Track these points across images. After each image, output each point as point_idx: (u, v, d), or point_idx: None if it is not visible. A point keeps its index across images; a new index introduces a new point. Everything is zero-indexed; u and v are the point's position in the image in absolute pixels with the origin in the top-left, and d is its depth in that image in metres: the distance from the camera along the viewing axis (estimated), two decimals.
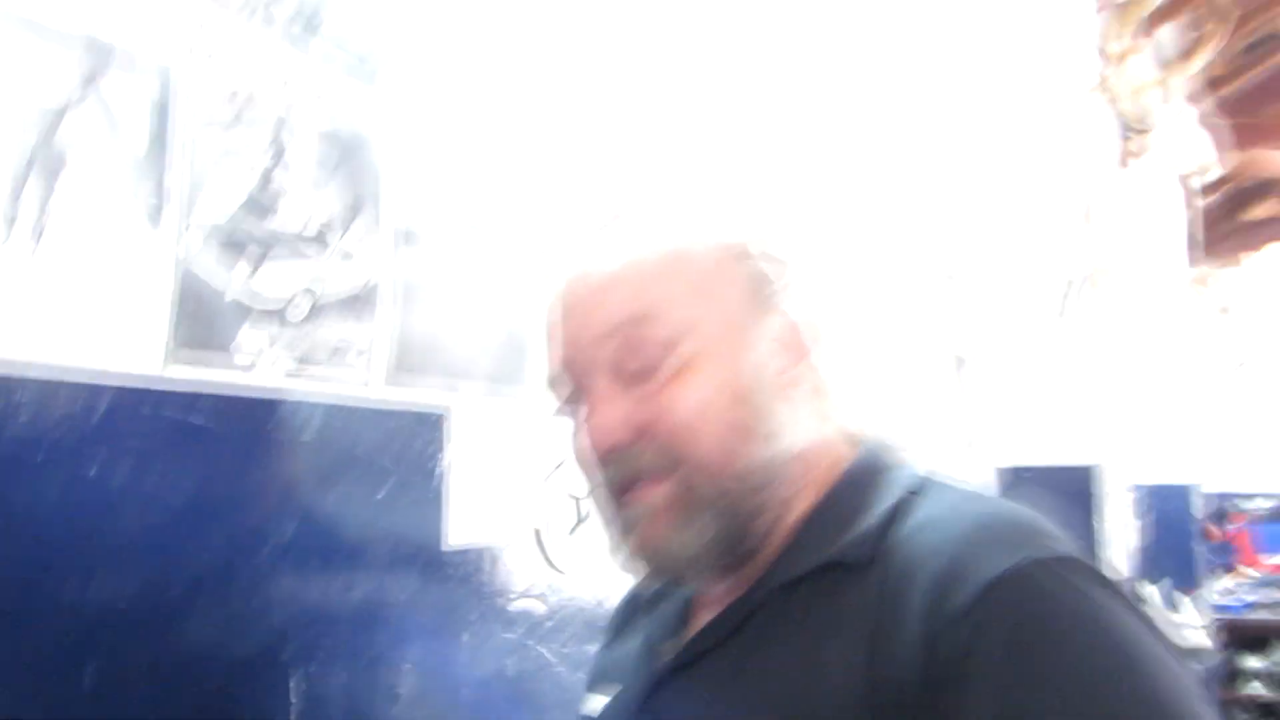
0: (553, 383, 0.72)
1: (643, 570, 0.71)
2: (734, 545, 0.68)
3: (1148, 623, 0.58)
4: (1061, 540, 0.61)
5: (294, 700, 0.98)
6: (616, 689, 0.77)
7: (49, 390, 0.82)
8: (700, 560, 0.67)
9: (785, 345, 0.70)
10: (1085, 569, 0.59)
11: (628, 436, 0.66)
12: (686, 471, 0.66)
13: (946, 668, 0.54)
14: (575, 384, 0.70)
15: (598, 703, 0.78)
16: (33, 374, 0.81)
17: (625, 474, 0.67)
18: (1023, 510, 0.65)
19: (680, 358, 0.66)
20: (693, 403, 0.66)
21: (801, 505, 0.70)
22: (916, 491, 0.68)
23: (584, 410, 0.69)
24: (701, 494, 0.66)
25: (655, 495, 0.66)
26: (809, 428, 0.71)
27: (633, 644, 0.79)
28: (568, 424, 0.73)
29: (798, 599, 0.65)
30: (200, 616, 0.92)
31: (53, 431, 0.82)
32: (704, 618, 0.72)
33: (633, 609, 0.87)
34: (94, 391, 0.85)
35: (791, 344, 0.71)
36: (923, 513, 0.65)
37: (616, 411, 0.66)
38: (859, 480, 0.71)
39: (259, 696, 0.96)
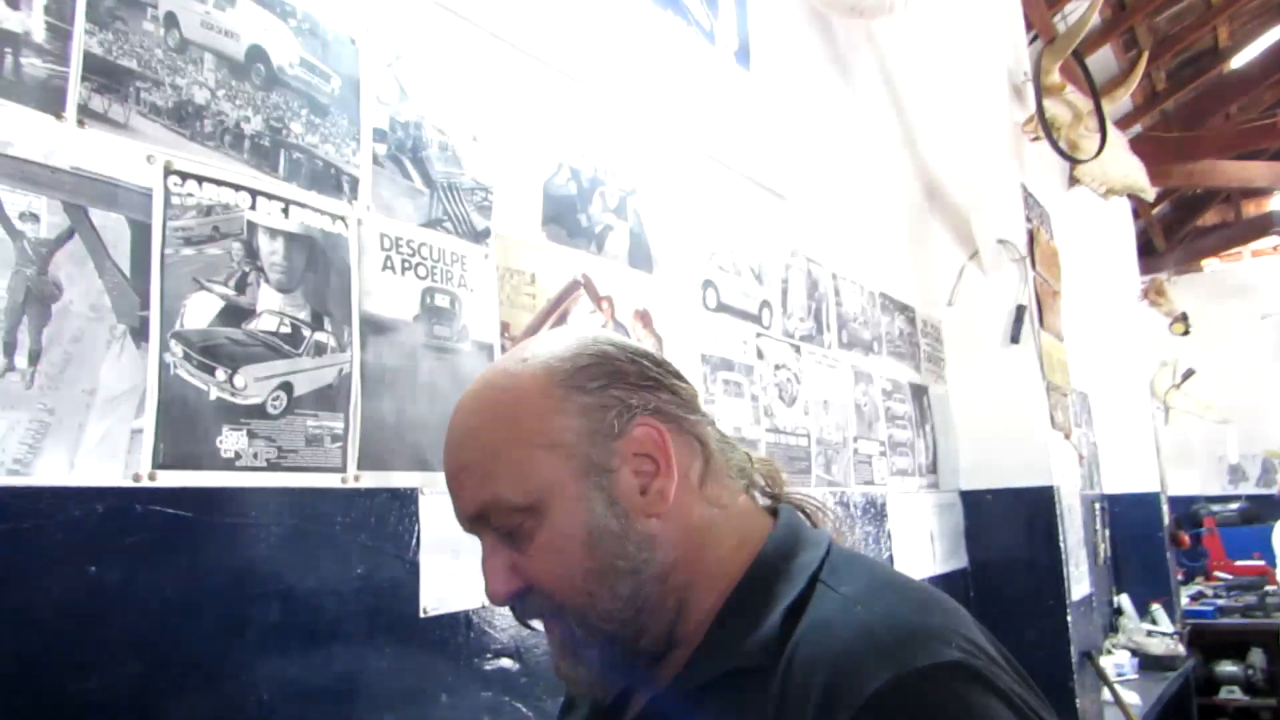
0: (462, 529, 0.78)
1: (566, 687, 0.82)
2: (629, 665, 0.74)
3: None
4: (949, 637, 0.62)
5: None
6: None
7: (50, 500, 0.91)
8: (602, 683, 0.75)
9: (644, 457, 0.73)
10: (959, 674, 0.60)
11: (513, 592, 0.74)
12: (565, 617, 0.73)
13: None
14: (473, 534, 0.77)
15: None
16: (32, 486, 0.90)
17: (527, 615, 0.76)
18: (914, 605, 0.68)
19: (537, 520, 0.72)
20: (553, 560, 0.72)
21: (709, 598, 0.74)
22: (818, 578, 0.71)
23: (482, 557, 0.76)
24: (582, 634, 0.73)
25: (552, 635, 0.76)
26: (690, 526, 0.74)
27: (581, 715, 0.86)
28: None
29: (705, 705, 0.70)
30: (195, 695, 1.00)
31: (54, 537, 0.91)
32: (637, 705, 0.78)
33: None
34: (89, 497, 0.94)
35: (652, 453, 0.73)
36: (820, 611, 0.68)
37: (501, 569, 0.74)
38: (764, 572, 0.74)
39: None
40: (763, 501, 0.82)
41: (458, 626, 1.30)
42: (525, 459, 0.72)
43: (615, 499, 0.72)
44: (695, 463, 0.76)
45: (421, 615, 1.26)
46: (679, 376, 0.80)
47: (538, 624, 0.78)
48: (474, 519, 0.75)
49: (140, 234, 1.03)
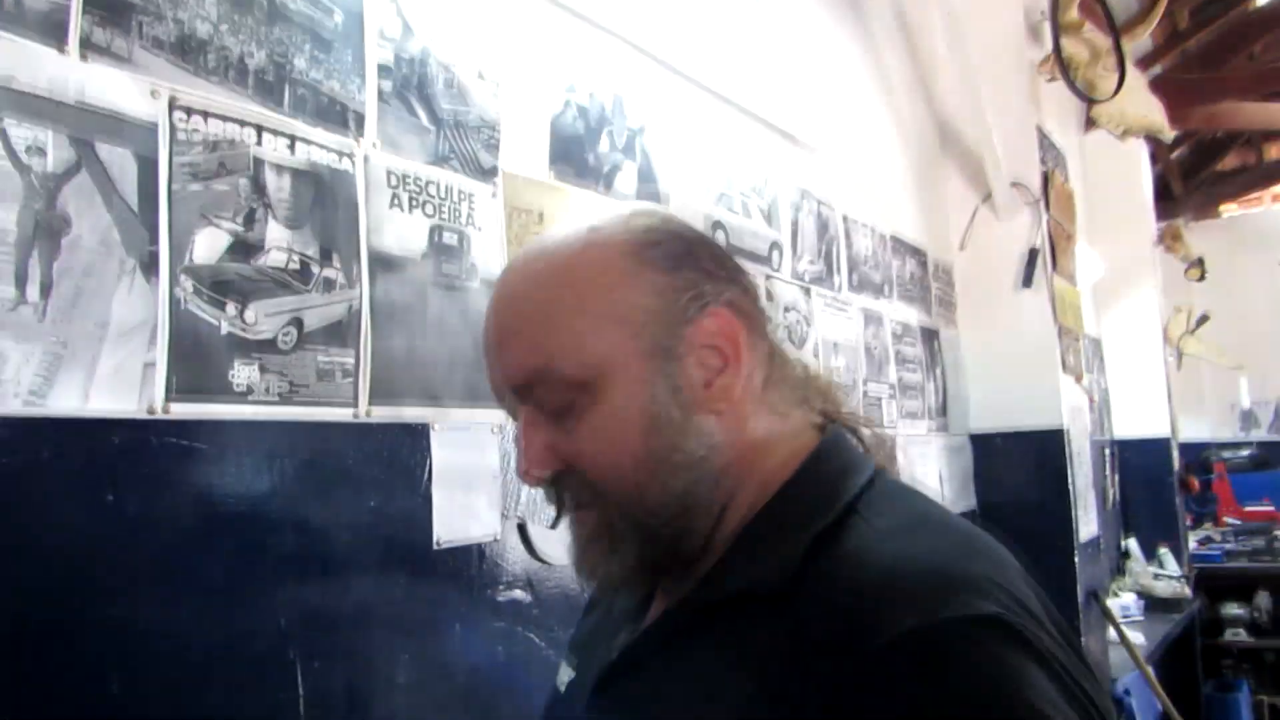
0: (496, 400, 0.73)
1: (587, 583, 0.74)
2: (662, 566, 0.69)
3: (1051, 690, 0.54)
4: (986, 587, 0.57)
5: (302, 691, 1.08)
6: (576, 670, 0.81)
7: (65, 430, 0.92)
8: (630, 581, 0.70)
9: (713, 350, 0.68)
10: (990, 630, 0.54)
11: (551, 468, 0.68)
12: (606, 505, 0.67)
13: None
14: (508, 409, 0.72)
15: (566, 675, 0.83)
16: (48, 417, 0.91)
17: (559, 498, 0.70)
18: (954, 548, 0.62)
19: (590, 397, 0.66)
20: (603, 443, 0.66)
21: (745, 508, 0.69)
22: (855, 508, 0.65)
23: (517, 431, 0.70)
24: (622, 526, 0.67)
25: (585, 523, 0.69)
26: (746, 431, 0.69)
27: (600, 616, 0.83)
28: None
29: (717, 625, 0.65)
30: (210, 624, 1.02)
31: (70, 466, 0.92)
32: (657, 610, 0.73)
33: None
34: (103, 428, 0.95)
35: (722, 345, 0.68)
36: (849, 543, 0.63)
37: (539, 443, 0.68)
38: (798, 493, 0.68)
39: (270, 689, 1.07)
40: (815, 420, 0.75)
41: (470, 558, 1.33)
42: (587, 329, 0.66)
43: (679, 386, 0.66)
44: (760, 365, 0.71)
45: (434, 547, 1.28)
46: (748, 276, 0.74)
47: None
48: (517, 389, 0.68)
49: (147, 168, 1.03)
